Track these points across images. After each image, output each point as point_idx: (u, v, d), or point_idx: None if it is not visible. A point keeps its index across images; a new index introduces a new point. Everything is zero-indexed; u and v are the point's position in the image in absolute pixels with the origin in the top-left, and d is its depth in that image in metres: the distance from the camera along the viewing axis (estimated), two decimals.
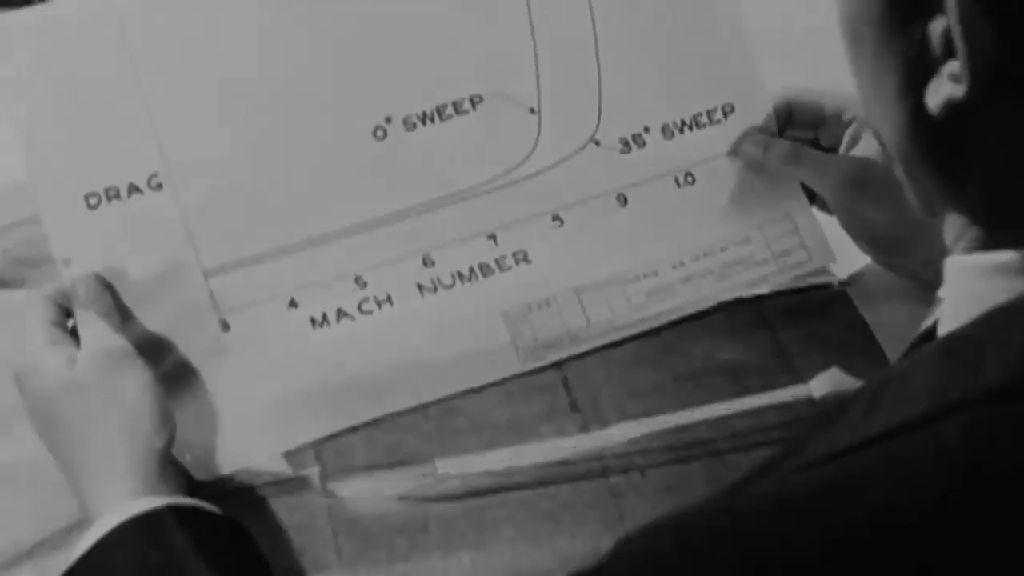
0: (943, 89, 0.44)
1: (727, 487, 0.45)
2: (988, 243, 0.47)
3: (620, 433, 0.73)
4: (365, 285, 0.75)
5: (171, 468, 0.67)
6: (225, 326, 0.73)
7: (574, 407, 0.75)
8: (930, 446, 0.40)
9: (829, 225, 0.81)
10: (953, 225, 0.49)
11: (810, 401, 0.74)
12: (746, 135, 0.80)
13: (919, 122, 0.46)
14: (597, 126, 0.79)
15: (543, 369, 0.76)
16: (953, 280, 0.49)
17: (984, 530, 0.39)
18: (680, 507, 0.43)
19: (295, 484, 0.71)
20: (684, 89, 0.80)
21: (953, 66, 0.43)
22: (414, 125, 0.76)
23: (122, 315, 0.71)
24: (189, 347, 0.73)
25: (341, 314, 0.75)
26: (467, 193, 0.77)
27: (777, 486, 0.43)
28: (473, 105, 0.77)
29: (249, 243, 0.73)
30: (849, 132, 0.78)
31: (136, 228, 0.72)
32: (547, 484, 0.71)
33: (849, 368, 0.76)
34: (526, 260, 0.78)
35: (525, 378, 0.76)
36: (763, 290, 0.80)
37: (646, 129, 0.80)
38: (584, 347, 0.77)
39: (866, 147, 0.77)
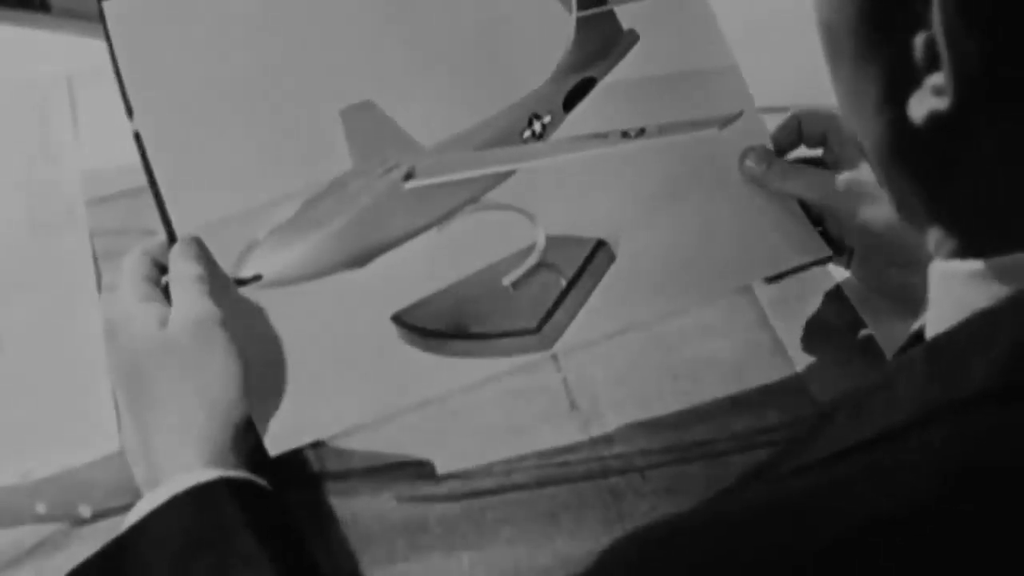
0: (927, 102, 0.43)
1: (720, 491, 0.45)
2: (971, 248, 0.47)
3: (620, 433, 0.73)
4: None
5: (242, 442, 0.66)
6: None
7: (574, 407, 0.75)
8: (916, 452, 0.40)
9: None
10: (936, 230, 0.49)
11: (810, 401, 0.74)
12: (748, 151, 0.80)
13: (901, 133, 0.46)
14: None
15: (543, 370, 0.76)
16: (937, 285, 0.49)
17: (972, 534, 0.39)
18: (675, 511, 0.43)
19: (295, 484, 0.71)
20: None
21: (937, 78, 0.42)
22: None
23: (219, 282, 0.70)
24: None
25: None
26: None
27: (768, 489, 0.43)
28: None
29: None
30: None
31: None
32: (547, 484, 0.71)
33: (849, 368, 0.76)
34: None
35: (525, 378, 0.76)
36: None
37: None
38: None
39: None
